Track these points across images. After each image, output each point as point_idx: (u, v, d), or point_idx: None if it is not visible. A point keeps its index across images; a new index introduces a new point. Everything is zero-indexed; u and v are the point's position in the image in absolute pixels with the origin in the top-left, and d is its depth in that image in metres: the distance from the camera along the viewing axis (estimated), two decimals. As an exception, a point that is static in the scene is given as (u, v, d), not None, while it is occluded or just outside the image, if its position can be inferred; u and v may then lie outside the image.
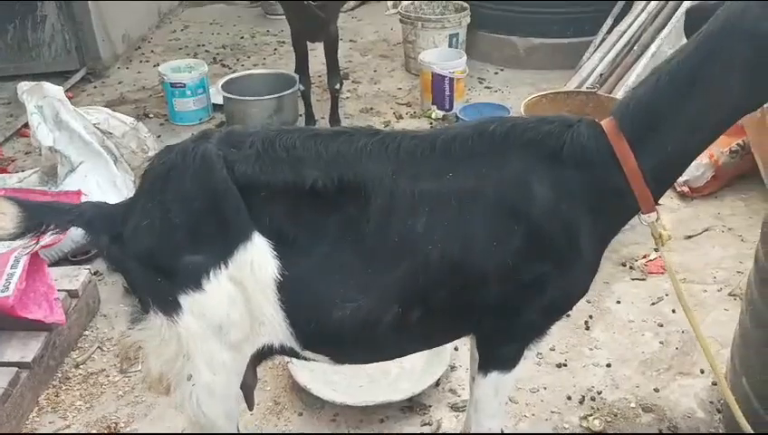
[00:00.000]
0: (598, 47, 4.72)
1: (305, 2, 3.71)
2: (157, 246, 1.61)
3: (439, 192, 1.64)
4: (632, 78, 4.20)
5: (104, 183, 3.39)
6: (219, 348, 1.66)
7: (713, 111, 1.59)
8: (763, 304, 2.09)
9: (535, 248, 1.66)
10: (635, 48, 4.46)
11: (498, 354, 1.84)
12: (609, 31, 4.77)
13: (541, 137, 1.65)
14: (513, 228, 1.64)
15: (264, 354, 1.77)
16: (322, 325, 1.66)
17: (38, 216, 1.62)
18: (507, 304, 1.72)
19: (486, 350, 1.85)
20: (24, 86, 3.42)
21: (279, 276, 1.61)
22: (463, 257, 1.65)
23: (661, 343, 2.80)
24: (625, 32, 4.57)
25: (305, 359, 1.81)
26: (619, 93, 4.16)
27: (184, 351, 1.65)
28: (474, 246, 1.65)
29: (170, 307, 1.62)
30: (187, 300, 1.61)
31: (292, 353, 1.77)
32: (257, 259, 1.60)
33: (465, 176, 1.65)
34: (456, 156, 1.66)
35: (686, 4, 4.33)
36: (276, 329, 1.67)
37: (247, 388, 1.93)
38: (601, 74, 4.57)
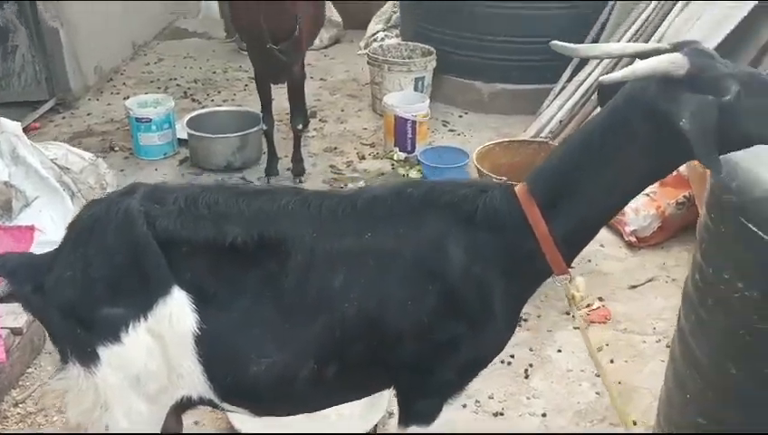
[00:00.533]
0: (557, 95, 4.84)
1: (268, 46, 3.79)
2: (77, 298, 1.64)
3: (358, 251, 1.69)
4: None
5: (59, 218, 3.41)
6: (137, 399, 1.69)
7: (619, 180, 1.67)
8: (683, 365, 2.15)
9: (449, 309, 1.72)
10: (592, 97, 4.58)
11: (416, 409, 1.88)
12: (569, 80, 4.89)
13: (456, 201, 1.72)
14: (429, 288, 1.70)
15: (184, 405, 1.80)
16: (239, 380, 1.69)
17: None
18: (422, 361, 1.77)
19: (405, 404, 1.90)
20: (-20, 122, 3.45)
21: (197, 330, 1.65)
22: (379, 315, 1.70)
23: (597, 393, 2.85)
24: (583, 81, 4.69)
25: (224, 411, 1.84)
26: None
27: (101, 401, 1.68)
28: (390, 305, 1.70)
29: (89, 358, 1.65)
30: (105, 352, 1.64)
31: (213, 405, 1.80)
32: (176, 313, 1.64)
33: (384, 236, 1.71)
34: (375, 216, 1.72)
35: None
36: (194, 381, 1.70)
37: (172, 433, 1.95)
38: (561, 121, 4.68)
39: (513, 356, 3.01)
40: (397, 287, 1.70)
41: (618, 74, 1.56)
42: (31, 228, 3.23)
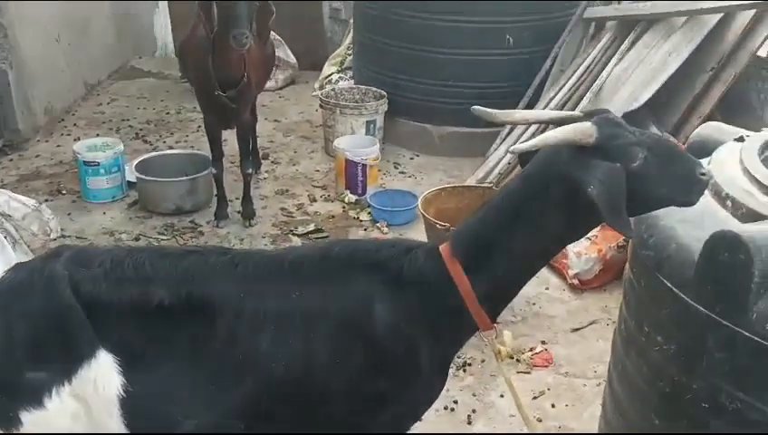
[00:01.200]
0: (504, 139, 4.96)
1: (216, 93, 3.83)
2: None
3: (285, 311, 1.72)
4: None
5: (1, 266, 3.36)
6: None
7: (535, 242, 1.73)
8: (612, 412, 2.20)
9: (376, 366, 1.75)
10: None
11: None
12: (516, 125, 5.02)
13: (382, 260, 1.76)
14: (355, 347, 1.73)
15: None
16: None
17: None
18: (351, 418, 1.79)
19: None
20: None
21: (123, 393, 1.65)
22: (306, 374, 1.72)
23: (536, 438, 2.89)
24: (528, 127, 4.81)
25: None
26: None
27: None
28: (317, 364, 1.72)
29: (10, 423, 1.64)
30: (27, 417, 1.63)
31: None
32: (101, 376, 1.64)
33: (311, 295, 1.74)
34: (302, 276, 1.75)
35: (583, 105, 4.62)
36: None
37: None
38: (509, 162, 4.79)
39: (456, 402, 3.04)
40: (324, 346, 1.72)
41: (530, 143, 1.64)
42: (-31, 277, 3.18)
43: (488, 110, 1.82)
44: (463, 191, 3.89)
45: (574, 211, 1.65)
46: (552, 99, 4.93)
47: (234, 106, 3.92)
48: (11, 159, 5.21)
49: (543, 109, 4.88)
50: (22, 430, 1.64)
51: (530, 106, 5.08)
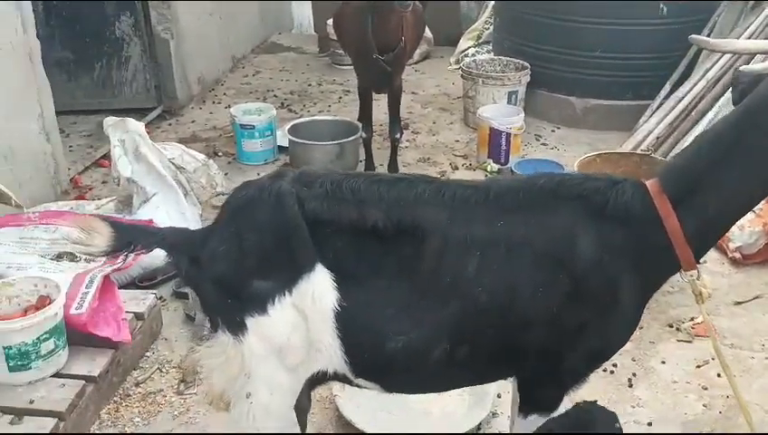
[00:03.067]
0: (655, 111, 4.80)
1: (374, 56, 3.92)
2: (230, 271, 1.76)
3: (490, 238, 1.75)
4: (688, 143, 4.25)
5: (174, 214, 3.61)
6: (278, 370, 1.79)
7: (751, 179, 1.68)
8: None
9: (578, 297, 1.76)
10: (692, 114, 4.52)
11: (538, 397, 1.92)
12: (668, 96, 4.84)
13: (587, 192, 1.76)
14: (558, 277, 1.75)
15: (318, 379, 1.89)
16: (375, 356, 1.78)
17: (128, 236, 1.80)
18: (549, 348, 1.81)
19: (527, 392, 1.93)
20: (109, 121, 3.70)
21: (338, 307, 1.74)
22: (509, 301, 1.75)
23: (705, 405, 2.80)
24: (683, 97, 4.64)
25: (357, 386, 1.92)
26: (675, 157, 4.21)
27: (246, 370, 1.79)
28: (520, 291, 1.75)
29: (237, 328, 1.76)
30: (252, 322, 1.75)
31: (345, 380, 1.89)
32: (318, 290, 1.73)
33: (515, 225, 1.76)
34: (507, 206, 1.78)
35: (745, 74, 4.38)
36: (332, 356, 1.79)
37: (301, 411, 2.04)
38: (658, 137, 4.63)
39: (615, 365, 2.99)
40: (528, 275, 1.75)
41: (759, 66, 1.58)
42: (149, 222, 3.43)
43: (706, 39, 1.78)
44: (619, 159, 3.80)
45: None
46: (707, 71, 4.71)
47: (389, 69, 4.01)
48: (170, 124, 5.55)
49: (698, 81, 4.68)
50: (246, 336, 1.76)
51: (683, 79, 4.89)
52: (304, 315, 1.74)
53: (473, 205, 1.78)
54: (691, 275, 1.80)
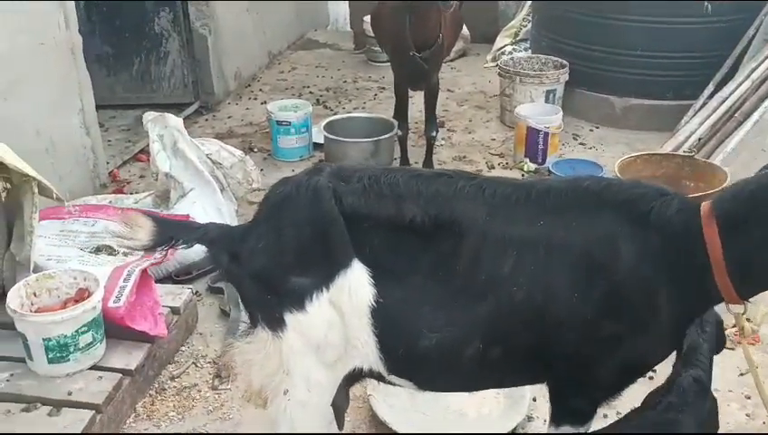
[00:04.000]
0: (698, 111, 4.69)
1: (411, 54, 3.90)
2: (269, 266, 1.75)
3: (529, 238, 1.72)
4: (731, 145, 4.16)
5: (210, 209, 3.63)
6: (316, 366, 1.78)
7: None
8: None
9: (615, 305, 1.70)
10: (736, 115, 4.41)
11: (570, 407, 1.87)
12: (711, 96, 4.73)
13: (633, 199, 1.71)
14: (596, 282, 1.70)
15: (354, 377, 1.87)
16: (410, 353, 1.75)
17: (169, 231, 1.81)
18: (581, 355, 1.76)
19: (559, 401, 1.89)
20: (148, 116, 3.73)
21: (374, 303, 1.72)
22: (545, 303, 1.71)
23: (747, 415, 2.73)
24: (727, 98, 4.53)
25: (390, 383, 1.90)
26: (718, 159, 4.12)
27: (284, 366, 1.78)
28: (556, 294, 1.71)
29: (276, 324, 1.76)
30: (291, 318, 1.74)
31: (379, 378, 1.87)
32: (355, 285, 1.72)
33: (555, 226, 1.72)
34: (548, 206, 1.74)
35: (793, 74, 4.27)
36: (368, 353, 1.77)
37: (338, 408, 2.03)
38: (700, 138, 4.53)
39: (655, 371, 2.92)
40: (565, 278, 1.71)
41: None
42: (186, 217, 3.45)
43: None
44: (660, 160, 3.72)
45: None
46: (753, 70, 4.59)
47: (426, 67, 3.98)
48: (206, 119, 5.59)
49: (743, 81, 4.56)
50: (285, 332, 1.75)
51: (727, 79, 4.77)
52: (341, 312, 1.73)
53: (513, 203, 1.75)
54: (736, 311, 1.72)
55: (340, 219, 1.71)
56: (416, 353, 1.75)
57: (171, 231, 1.82)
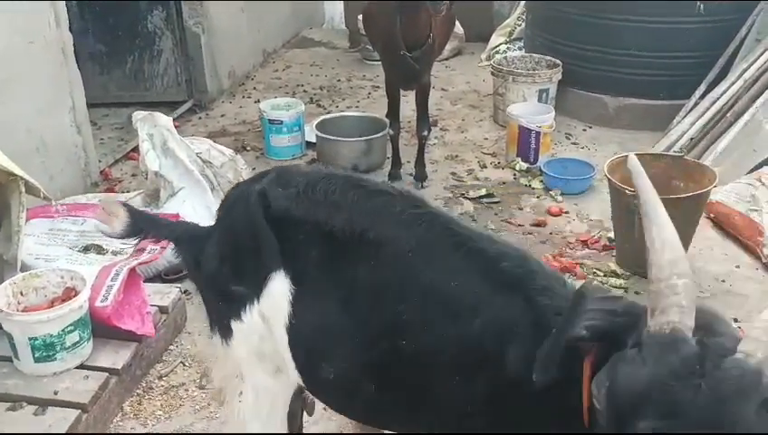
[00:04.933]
0: (689, 111, 4.69)
1: (402, 53, 3.90)
2: (216, 274, 1.75)
3: (439, 293, 1.52)
4: (722, 145, 4.16)
5: (200, 208, 3.63)
6: (263, 374, 1.77)
7: None
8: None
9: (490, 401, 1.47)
10: (728, 115, 4.41)
11: None
12: (703, 96, 4.73)
13: (550, 302, 1.42)
14: (478, 373, 1.47)
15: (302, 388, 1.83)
16: (313, 378, 1.70)
17: (141, 224, 1.83)
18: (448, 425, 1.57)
19: None
20: (138, 115, 3.73)
21: (288, 321, 1.65)
22: (429, 365, 1.53)
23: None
24: (718, 98, 4.53)
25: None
26: (709, 159, 4.12)
27: (237, 371, 1.78)
28: (439, 363, 1.52)
29: (225, 330, 1.76)
30: (235, 327, 1.74)
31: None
32: (277, 299, 1.65)
33: (467, 294, 1.49)
34: (474, 269, 1.51)
35: (784, 74, 4.27)
36: (291, 368, 1.71)
37: (293, 414, 1.97)
38: (692, 138, 4.53)
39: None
40: (452, 349, 1.50)
41: None
42: (175, 216, 3.45)
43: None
44: (650, 160, 3.71)
45: None
46: (745, 70, 4.59)
47: (417, 67, 3.98)
48: (200, 118, 5.59)
49: (735, 81, 4.56)
50: (232, 339, 1.75)
51: (719, 79, 4.77)
52: (270, 323, 1.69)
53: (441, 250, 1.54)
54: None
55: (266, 227, 1.64)
56: (318, 382, 1.69)
57: (143, 225, 1.85)
